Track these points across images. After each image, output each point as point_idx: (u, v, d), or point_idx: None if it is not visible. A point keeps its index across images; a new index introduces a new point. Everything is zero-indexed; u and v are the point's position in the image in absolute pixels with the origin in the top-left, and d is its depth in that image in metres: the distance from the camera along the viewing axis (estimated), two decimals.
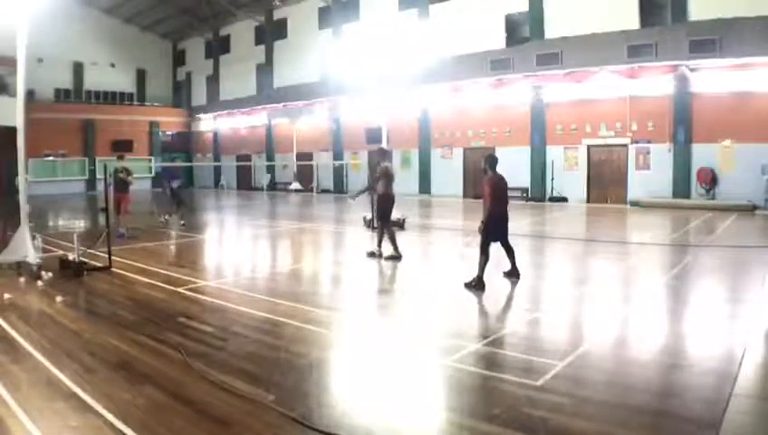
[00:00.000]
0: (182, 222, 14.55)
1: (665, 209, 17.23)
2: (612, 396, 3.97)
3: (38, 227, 11.73)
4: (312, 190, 28.49)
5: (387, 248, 9.47)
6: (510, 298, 7.16)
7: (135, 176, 13.36)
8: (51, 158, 31.17)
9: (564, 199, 20.71)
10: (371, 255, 9.61)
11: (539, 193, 21.26)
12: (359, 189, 10.41)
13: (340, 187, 28.48)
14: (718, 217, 14.85)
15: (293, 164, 29.93)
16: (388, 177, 9.58)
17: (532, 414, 3.64)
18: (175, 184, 14.89)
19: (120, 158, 13.50)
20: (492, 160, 7.84)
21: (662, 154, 18.65)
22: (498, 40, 21.99)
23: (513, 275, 7.67)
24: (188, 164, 36.15)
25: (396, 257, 9.29)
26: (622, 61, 18.31)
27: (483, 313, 6.51)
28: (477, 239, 7.52)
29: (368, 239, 11.76)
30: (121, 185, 12.47)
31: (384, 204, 9.61)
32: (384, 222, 9.61)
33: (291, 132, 30.34)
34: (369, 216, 13.34)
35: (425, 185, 25.15)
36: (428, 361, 4.73)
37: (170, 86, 39.94)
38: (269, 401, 3.85)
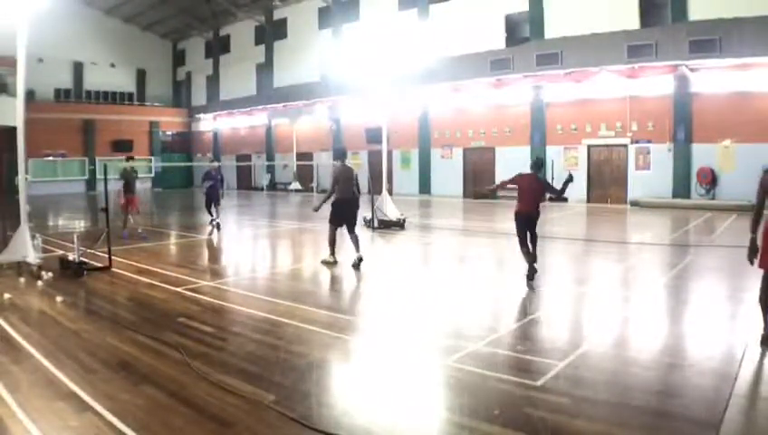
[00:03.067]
0: (217, 221, 13.89)
1: (665, 209, 17.23)
2: (612, 396, 3.97)
3: (38, 227, 11.75)
4: (311, 190, 28.49)
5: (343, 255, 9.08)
6: (509, 298, 7.16)
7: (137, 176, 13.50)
8: (51, 158, 31.18)
9: (564, 199, 20.69)
10: (358, 261, 8.81)
11: None
12: (321, 199, 9.21)
13: None
14: (718, 217, 14.85)
15: (293, 164, 29.94)
16: (339, 179, 8.80)
17: (532, 414, 3.64)
18: (206, 184, 14.13)
19: (130, 159, 13.57)
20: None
21: (662, 154, 18.66)
22: (498, 40, 21.99)
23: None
24: (188, 164, 36.17)
25: (331, 263, 8.90)
26: (622, 61, 18.31)
27: (483, 313, 6.50)
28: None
29: (367, 239, 11.76)
30: (132, 185, 12.57)
31: (334, 207, 8.91)
32: (331, 225, 8.93)
33: (291, 132, 30.34)
34: (368, 215, 13.36)
35: (425, 185, 25.16)
36: (428, 361, 4.73)
37: (170, 86, 39.95)
38: (269, 401, 3.86)
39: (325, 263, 9.00)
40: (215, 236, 13.00)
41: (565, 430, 3.46)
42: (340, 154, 9.17)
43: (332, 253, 8.97)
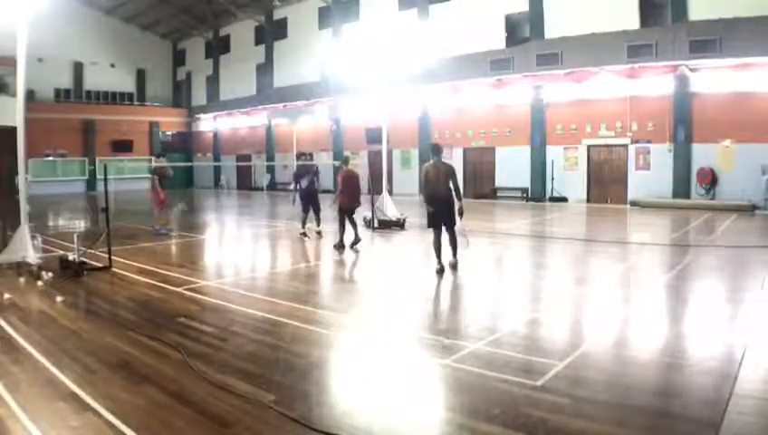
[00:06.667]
0: (318, 229, 12.06)
1: (665, 209, 17.23)
2: (612, 396, 3.97)
3: (38, 227, 11.75)
4: None
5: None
6: (509, 298, 7.17)
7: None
8: (51, 158, 31.18)
9: (564, 199, 20.71)
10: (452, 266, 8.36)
11: (539, 193, 21.26)
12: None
13: None
14: (718, 217, 14.85)
15: (294, 164, 29.91)
16: (426, 177, 8.35)
17: (532, 414, 3.64)
18: (304, 182, 11.95)
19: (161, 156, 14.02)
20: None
21: (662, 154, 18.65)
22: (498, 40, 21.98)
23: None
24: (188, 164, 36.14)
25: (438, 270, 8.17)
26: (622, 61, 18.30)
27: (482, 312, 6.50)
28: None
29: (367, 239, 11.75)
30: (162, 181, 13.12)
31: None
32: (431, 229, 8.42)
33: (291, 132, 30.35)
34: (368, 215, 13.35)
35: None
36: (428, 361, 4.73)
37: (170, 86, 39.95)
38: (269, 401, 3.86)
39: (438, 272, 8.13)
40: (312, 243, 11.57)
41: (565, 430, 3.46)
42: (431, 150, 8.60)
43: (439, 259, 8.20)
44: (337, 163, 27.67)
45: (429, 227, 8.43)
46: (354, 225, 10.84)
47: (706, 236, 12.12)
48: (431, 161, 8.45)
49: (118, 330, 5.59)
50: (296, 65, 30.37)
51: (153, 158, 13.77)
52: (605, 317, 6.06)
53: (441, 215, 8.28)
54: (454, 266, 8.30)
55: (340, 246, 10.49)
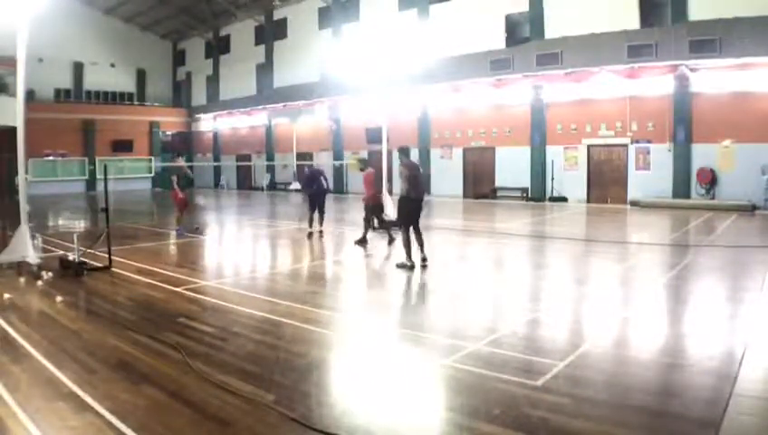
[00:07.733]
0: (320, 228, 12.42)
1: (665, 209, 17.23)
2: (612, 396, 3.97)
3: (38, 227, 11.76)
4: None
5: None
6: (509, 298, 7.17)
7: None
8: (51, 158, 31.19)
9: (564, 199, 20.70)
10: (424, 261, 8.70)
11: (539, 193, 21.26)
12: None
13: (340, 187, 28.47)
14: (718, 217, 14.84)
15: (293, 164, 29.93)
16: (415, 175, 8.62)
17: (532, 414, 3.64)
18: (315, 186, 12.36)
19: (179, 156, 14.03)
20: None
21: (662, 154, 18.65)
22: (498, 40, 21.99)
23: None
24: (188, 164, 36.10)
25: (409, 267, 8.53)
26: (622, 61, 18.30)
27: (482, 313, 6.50)
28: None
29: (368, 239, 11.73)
30: (185, 183, 13.28)
31: (407, 207, 8.63)
32: (405, 227, 8.65)
33: (291, 132, 30.34)
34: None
35: (424, 185, 25.13)
36: (428, 361, 4.73)
37: (170, 86, 39.95)
38: (269, 401, 3.86)
39: (402, 267, 8.56)
40: (315, 243, 11.69)
41: (565, 429, 3.46)
42: (407, 151, 9.07)
43: (410, 256, 8.52)
44: (337, 164, 27.88)
45: (406, 225, 8.64)
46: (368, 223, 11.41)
47: (706, 237, 12.11)
48: (407, 161, 8.81)
49: (118, 330, 5.59)
50: (296, 65, 30.37)
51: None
52: (605, 317, 6.06)
53: (418, 213, 8.74)
54: (424, 261, 8.63)
55: (364, 241, 11.01)
